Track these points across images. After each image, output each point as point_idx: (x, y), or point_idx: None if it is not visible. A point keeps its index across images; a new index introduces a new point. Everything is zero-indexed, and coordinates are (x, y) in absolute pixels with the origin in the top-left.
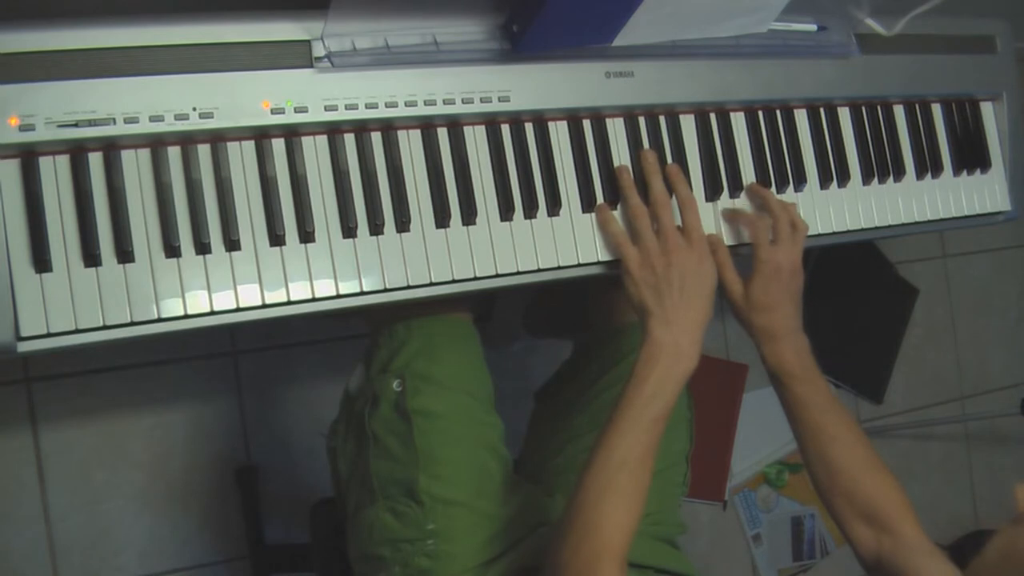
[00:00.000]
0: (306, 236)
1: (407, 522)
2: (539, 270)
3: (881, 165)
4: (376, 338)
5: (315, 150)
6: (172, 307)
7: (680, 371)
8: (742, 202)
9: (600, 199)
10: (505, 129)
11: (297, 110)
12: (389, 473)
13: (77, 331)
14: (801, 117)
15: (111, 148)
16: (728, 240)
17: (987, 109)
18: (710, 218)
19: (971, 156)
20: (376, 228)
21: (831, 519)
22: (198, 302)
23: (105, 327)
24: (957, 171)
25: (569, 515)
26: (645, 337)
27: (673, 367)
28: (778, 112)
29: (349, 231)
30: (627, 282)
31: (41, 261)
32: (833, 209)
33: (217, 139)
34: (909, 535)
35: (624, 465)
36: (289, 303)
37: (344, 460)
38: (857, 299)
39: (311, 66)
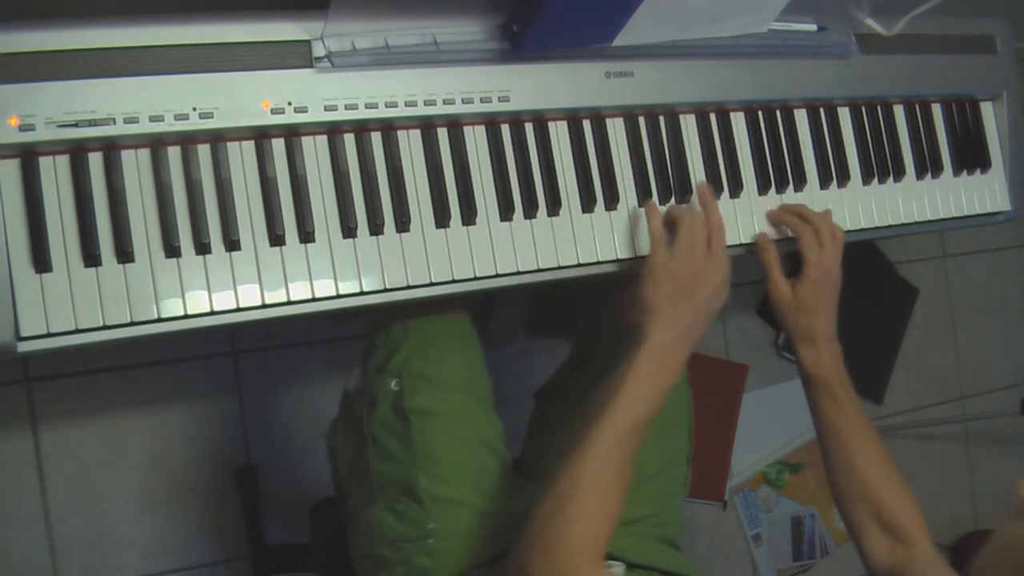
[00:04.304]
0: (306, 236)
1: (407, 521)
2: (539, 270)
3: (881, 165)
4: (373, 339)
5: (315, 150)
6: (172, 307)
7: (667, 382)
8: (743, 202)
9: (600, 199)
10: (505, 129)
11: (297, 110)
12: (388, 473)
13: (77, 331)
14: (801, 117)
15: (111, 148)
16: (738, 239)
17: (987, 109)
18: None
19: (971, 156)
20: (376, 228)
21: (845, 524)
22: (198, 302)
23: (105, 327)
24: (957, 171)
25: (545, 512)
26: (643, 339)
27: (665, 375)
28: (778, 112)
29: (349, 231)
30: (647, 280)
31: (41, 261)
32: (833, 209)
33: (217, 139)
34: (924, 550)
35: (607, 461)
36: (289, 303)
37: (344, 460)
38: (857, 299)
39: (311, 66)
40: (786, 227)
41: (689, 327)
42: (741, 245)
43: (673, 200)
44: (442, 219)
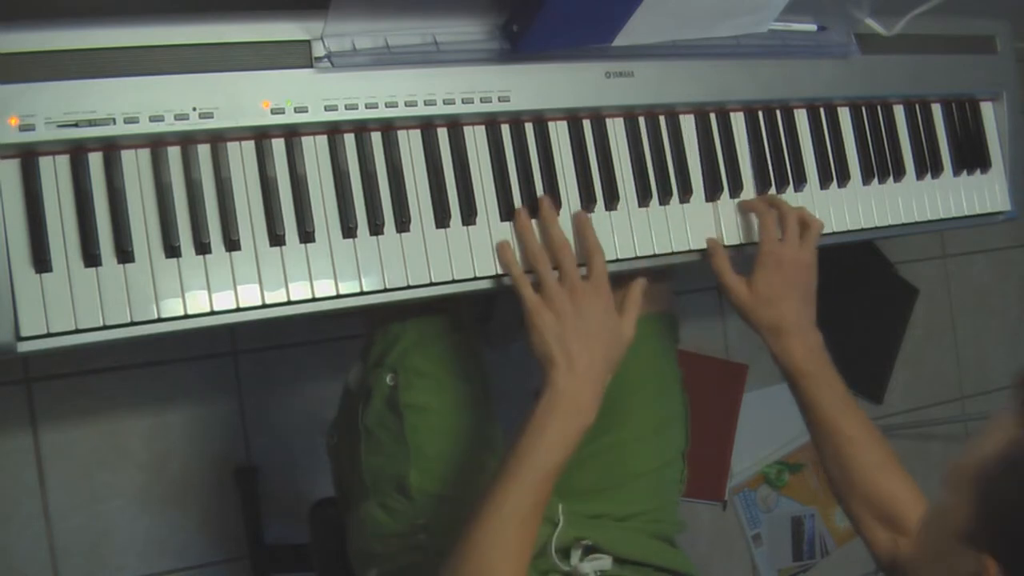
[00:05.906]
0: (306, 236)
1: (397, 517)
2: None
3: (881, 165)
4: (372, 335)
5: (315, 150)
6: (172, 307)
7: (577, 427)
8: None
9: (600, 199)
10: (505, 129)
11: (297, 110)
12: (380, 468)
13: (77, 331)
14: (801, 117)
15: (111, 148)
16: (737, 239)
17: (987, 109)
18: (709, 218)
19: (971, 156)
20: (376, 228)
21: (846, 517)
22: (198, 302)
23: (105, 327)
24: (957, 171)
25: (454, 562)
26: (546, 386)
27: (572, 421)
28: (778, 112)
29: (349, 231)
30: (529, 330)
31: (41, 261)
32: (833, 209)
33: (217, 139)
34: None
35: (514, 517)
36: (289, 303)
37: (341, 456)
38: (857, 299)
39: (311, 66)
40: (756, 216)
41: (589, 364)
42: (751, 244)
43: (673, 200)
44: (442, 219)
